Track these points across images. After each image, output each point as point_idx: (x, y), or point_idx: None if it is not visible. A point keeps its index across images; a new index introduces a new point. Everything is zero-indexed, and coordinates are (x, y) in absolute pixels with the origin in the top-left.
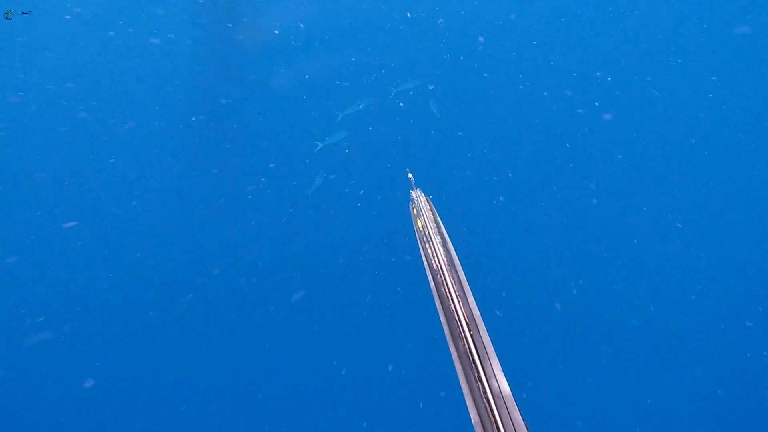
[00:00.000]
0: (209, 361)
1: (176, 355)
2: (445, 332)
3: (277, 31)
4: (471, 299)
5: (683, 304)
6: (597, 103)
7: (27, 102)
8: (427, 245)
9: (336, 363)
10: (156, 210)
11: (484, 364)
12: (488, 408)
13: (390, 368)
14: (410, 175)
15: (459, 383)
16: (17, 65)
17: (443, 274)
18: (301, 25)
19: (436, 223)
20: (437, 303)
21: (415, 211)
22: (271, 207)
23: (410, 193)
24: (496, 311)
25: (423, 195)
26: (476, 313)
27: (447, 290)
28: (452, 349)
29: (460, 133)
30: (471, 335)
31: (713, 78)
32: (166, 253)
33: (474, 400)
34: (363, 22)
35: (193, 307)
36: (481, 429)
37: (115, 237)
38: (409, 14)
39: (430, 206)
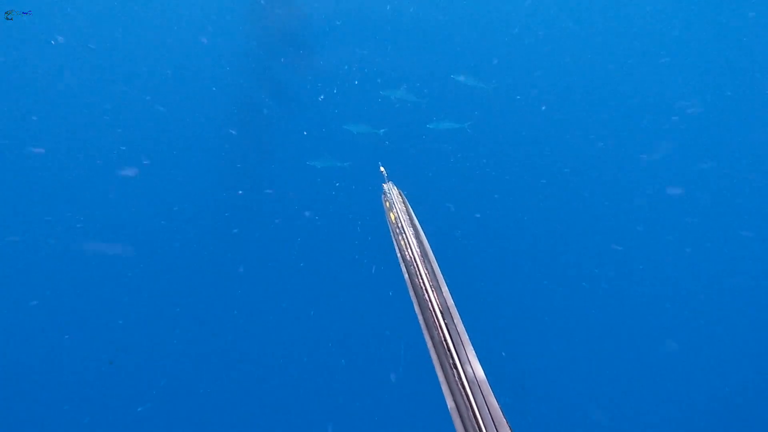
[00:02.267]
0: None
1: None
2: (420, 322)
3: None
4: (445, 289)
5: (646, 278)
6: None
7: (65, 97)
8: (400, 237)
9: (312, 355)
10: (186, 219)
11: (458, 351)
12: (464, 393)
13: (369, 361)
14: (382, 169)
15: (435, 371)
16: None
17: (416, 265)
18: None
19: (409, 215)
20: (411, 294)
21: (387, 204)
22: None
23: (382, 186)
24: (469, 299)
25: (395, 188)
26: (450, 302)
27: (421, 281)
28: (427, 338)
29: (430, 126)
30: (445, 324)
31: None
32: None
33: (449, 387)
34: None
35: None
36: (457, 415)
37: (146, 241)
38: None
39: (402, 199)
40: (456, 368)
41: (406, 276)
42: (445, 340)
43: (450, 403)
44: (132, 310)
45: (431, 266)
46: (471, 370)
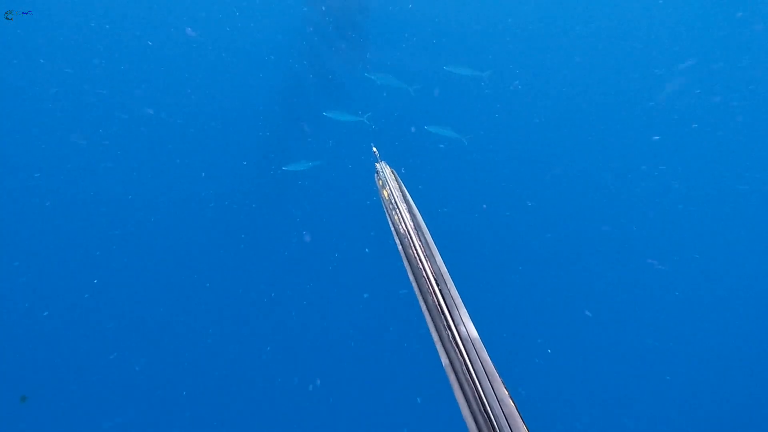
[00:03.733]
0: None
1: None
2: (415, 290)
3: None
4: (438, 258)
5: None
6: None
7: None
8: (393, 213)
9: (317, 320)
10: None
11: (452, 313)
12: (457, 351)
13: (370, 325)
14: (374, 149)
15: (430, 334)
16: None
17: (410, 237)
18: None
19: (402, 191)
20: (405, 264)
21: (380, 182)
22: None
23: (375, 166)
24: (463, 266)
25: (388, 167)
26: (444, 269)
27: (415, 252)
28: (422, 303)
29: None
30: (439, 290)
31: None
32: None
33: (444, 346)
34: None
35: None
36: (452, 371)
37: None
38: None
39: (395, 176)
40: (450, 329)
41: (400, 248)
42: (439, 304)
43: (444, 361)
44: (137, 309)
45: (425, 238)
46: (464, 330)
